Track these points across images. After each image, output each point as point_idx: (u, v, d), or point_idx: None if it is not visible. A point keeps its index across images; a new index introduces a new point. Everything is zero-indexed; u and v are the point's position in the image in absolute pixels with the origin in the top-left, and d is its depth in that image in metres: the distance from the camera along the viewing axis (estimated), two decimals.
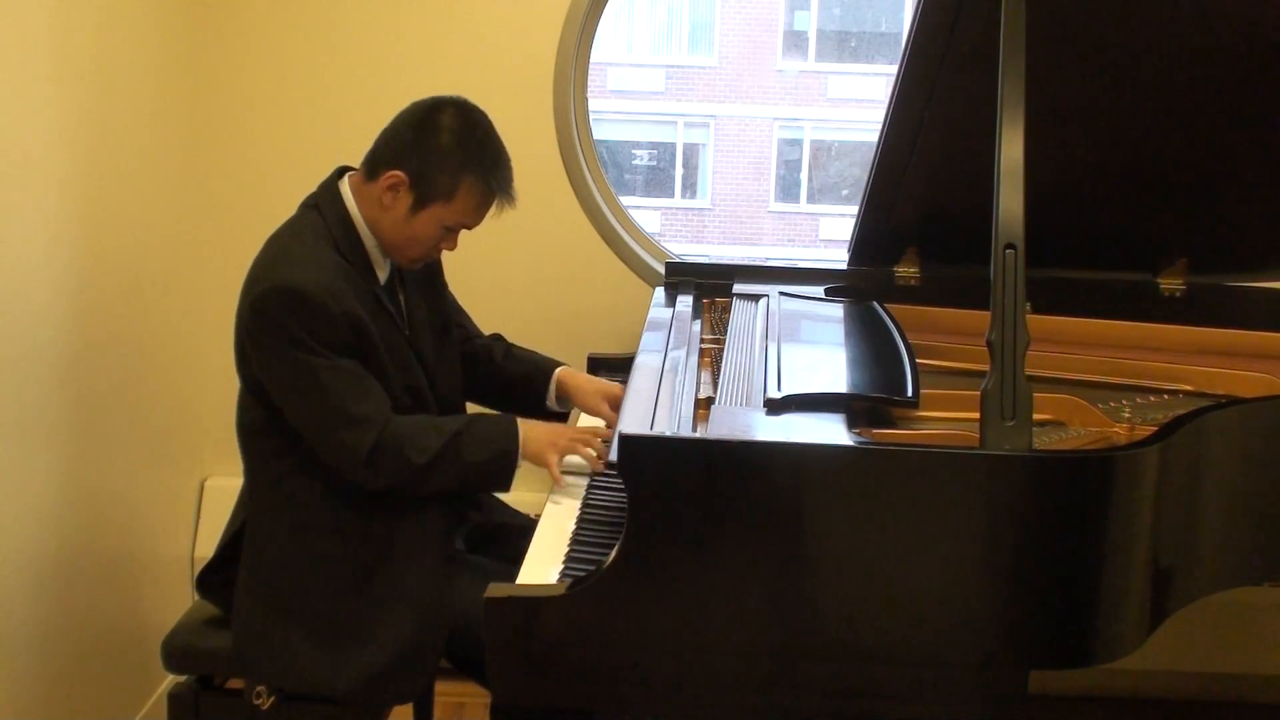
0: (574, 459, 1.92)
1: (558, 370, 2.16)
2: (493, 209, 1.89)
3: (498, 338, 2.25)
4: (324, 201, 1.88)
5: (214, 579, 1.96)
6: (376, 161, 1.86)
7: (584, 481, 1.91)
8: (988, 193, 1.51)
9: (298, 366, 1.77)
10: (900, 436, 1.70)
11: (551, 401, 2.16)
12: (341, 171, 1.93)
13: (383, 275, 1.90)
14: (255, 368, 1.83)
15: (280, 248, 1.84)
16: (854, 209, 2.45)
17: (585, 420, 2.20)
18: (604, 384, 2.16)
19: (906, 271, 2.48)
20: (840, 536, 1.46)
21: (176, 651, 1.94)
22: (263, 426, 1.87)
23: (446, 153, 1.83)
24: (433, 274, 2.07)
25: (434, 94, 1.88)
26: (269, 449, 1.87)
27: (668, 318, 2.31)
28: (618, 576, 1.47)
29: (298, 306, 1.75)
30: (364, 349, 1.82)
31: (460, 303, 2.22)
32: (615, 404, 2.10)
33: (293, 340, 1.76)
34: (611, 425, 2.08)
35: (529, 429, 1.90)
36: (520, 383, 2.18)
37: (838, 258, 2.59)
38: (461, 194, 1.84)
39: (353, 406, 1.78)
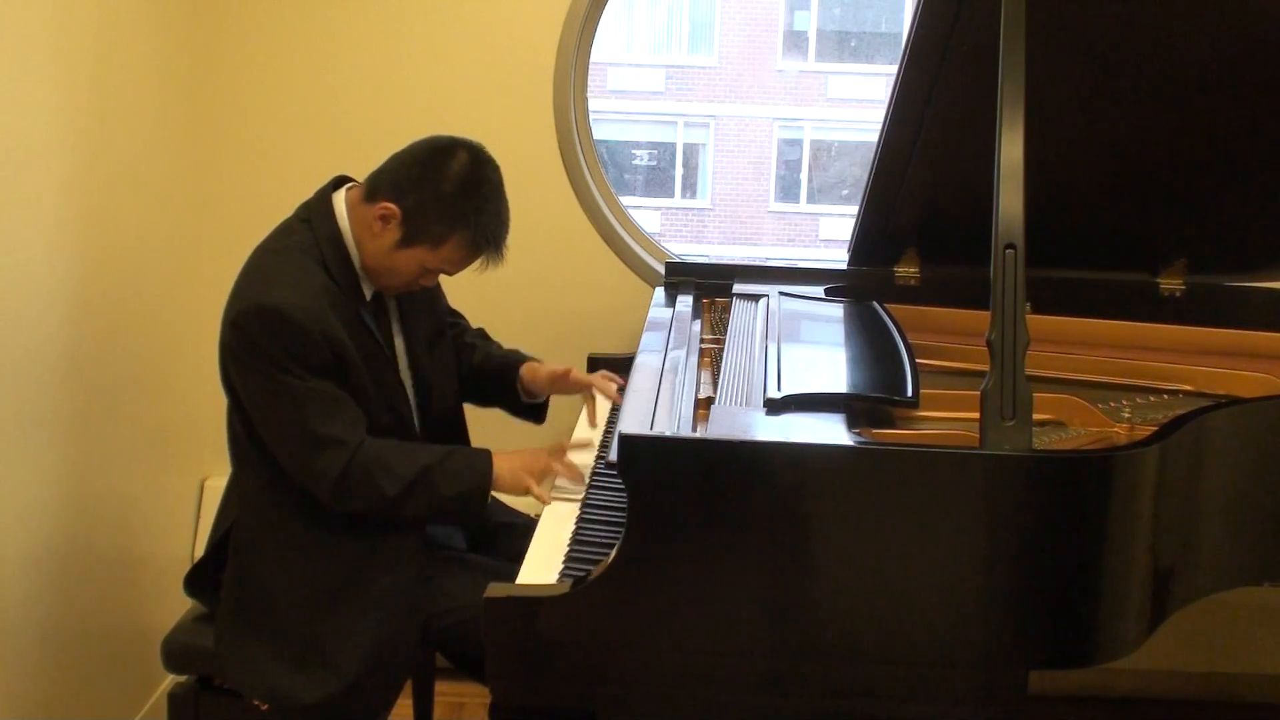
0: (561, 482, 1.92)
1: (521, 367, 2.15)
2: (477, 264, 1.88)
3: (480, 334, 2.25)
4: (315, 215, 1.86)
5: (201, 579, 1.96)
6: (377, 186, 1.84)
7: (578, 493, 1.89)
8: (988, 193, 1.51)
9: (273, 386, 1.77)
10: (900, 436, 1.70)
11: (525, 397, 2.16)
12: (339, 182, 1.91)
13: (369, 291, 1.89)
14: (236, 384, 1.83)
15: (264, 265, 1.83)
16: (854, 209, 2.45)
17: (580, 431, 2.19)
18: (548, 369, 2.14)
19: (906, 271, 2.47)
20: (840, 536, 1.46)
21: (176, 651, 1.95)
22: (247, 436, 1.86)
23: (445, 201, 1.80)
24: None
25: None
26: (252, 459, 1.87)
27: (668, 318, 2.31)
28: (618, 576, 1.47)
29: (276, 327, 1.74)
30: (343, 370, 1.81)
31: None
32: (558, 382, 2.12)
33: (270, 360, 1.75)
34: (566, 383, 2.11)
35: (500, 462, 1.88)
36: (494, 382, 2.17)
37: (838, 258, 2.59)
38: (450, 245, 1.83)
39: (324, 428, 1.77)
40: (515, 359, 2.18)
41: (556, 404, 2.25)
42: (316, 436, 1.77)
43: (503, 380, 2.16)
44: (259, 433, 1.83)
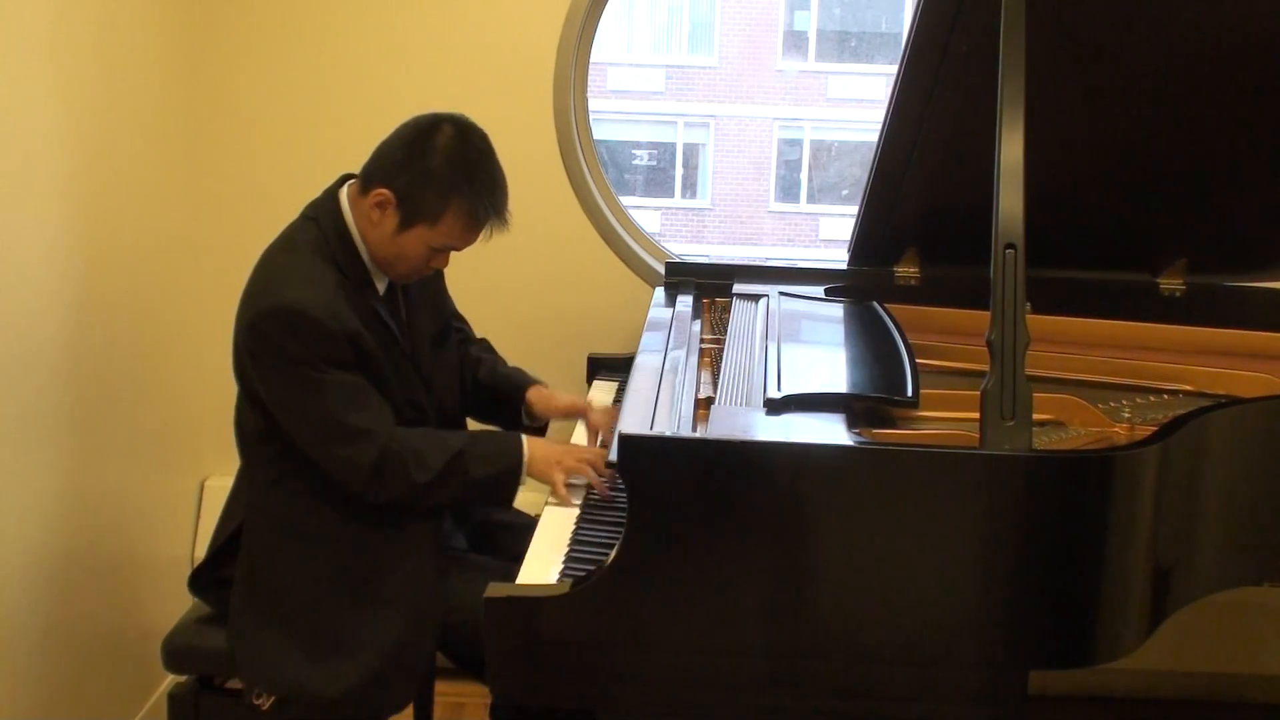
0: (577, 479, 1.90)
1: (529, 390, 2.13)
2: (483, 232, 1.87)
3: (486, 347, 2.23)
4: (323, 212, 1.87)
5: (206, 577, 1.96)
6: (369, 176, 1.84)
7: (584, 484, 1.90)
8: (988, 193, 1.51)
9: (298, 383, 1.77)
10: (900, 436, 1.70)
11: (525, 419, 2.14)
12: (344, 180, 1.91)
13: (382, 286, 1.89)
14: (256, 385, 1.83)
15: (277, 265, 1.83)
16: (854, 209, 2.45)
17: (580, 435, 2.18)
18: (568, 400, 2.12)
19: (906, 271, 2.47)
20: (840, 536, 1.46)
21: (176, 651, 1.95)
22: (260, 434, 1.86)
23: (435, 174, 1.80)
24: (434, 280, 2.05)
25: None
26: (266, 455, 1.87)
27: (668, 318, 2.31)
28: (618, 576, 1.47)
29: (296, 326, 1.75)
30: (365, 365, 1.81)
31: (461, 301, 2.22)
32: (576, 414, 2.12)
33: (291, 359, 1.76)
34: (585, 418, 2.10)
35: (534, 447, 1.88)
36: (497, 400, 2.16)
37: (838, 258, 2.59)
38: (448, 217, 1.82)
39: (353, 420, 1.77)
40: (523, 380, 2.16)
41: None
42: (346, 428, 1.77)
43: (507, 400, 2.14)
44: (288, 431, 1.82)
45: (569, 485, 1.87)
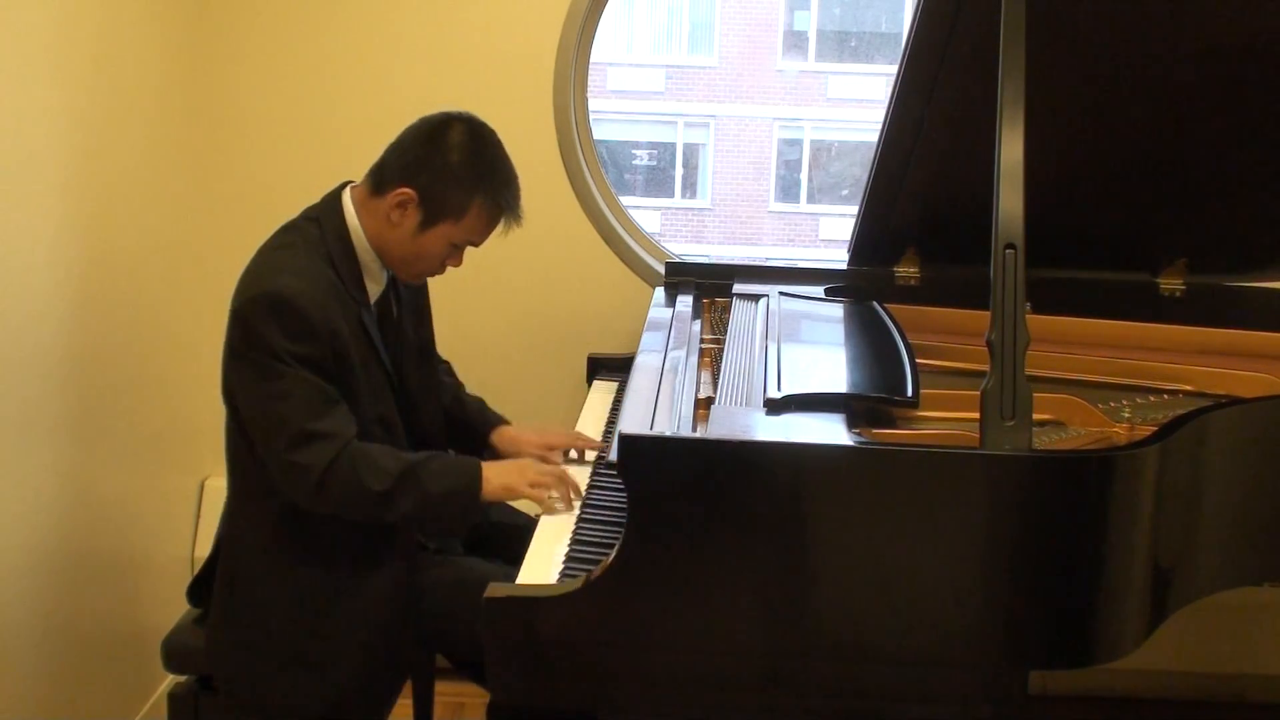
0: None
1: (494, 433, 2.10)
2: (499, 228, 1.88)
3: (447, 371, 2.20)
4: (324, 214, 1.86)
5: (203, 588, 1.95)
6: (384, 177, 1.83)
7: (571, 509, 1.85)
8: (988, 193, 1.51)
9: (267, 375, 1.73)
10: (900, 436, 1.70)
11: (488, 455, 2.10)
12: (345, 186, 1.91)
13: (374, 292, 1.88)
14: (230, 377, 1.80)
15: (271, 258, 1.82)
16: (854, 209, 2.45)
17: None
18: (535, 436, 2.07)
19: (906, 271, 2.47)
20: (840, 536, 1.46)
21: (176, 652, 1.95)
22: (237, 439, 1.85)
23: (457, 171, 1.80)
24: (419, 298, 2.04)
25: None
26: (243, 464, 1.86)
27: (668, 318, 2.31)
28: (617, 576, 1.46)
29: (279, 314, 1.72)
30: (341, 370, 1.78)
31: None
32: (551, 445, 2.07)
33: (268, 349, 1.72)
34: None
35: (488, 470, 1.84)
36: (460, 435, 2.12)
37: (838, 258, 2.59)
38: (472, 213, 1.82)
39: (313, 424, 1.72)
40: (488, 420, 2.13)
41: (549, 407, 2.24)
42: (304, 431, 1.72)
43: (471, 435, 2.11)
44: (248, 429, 1.79)
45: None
